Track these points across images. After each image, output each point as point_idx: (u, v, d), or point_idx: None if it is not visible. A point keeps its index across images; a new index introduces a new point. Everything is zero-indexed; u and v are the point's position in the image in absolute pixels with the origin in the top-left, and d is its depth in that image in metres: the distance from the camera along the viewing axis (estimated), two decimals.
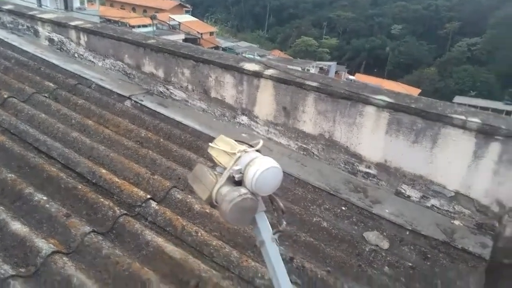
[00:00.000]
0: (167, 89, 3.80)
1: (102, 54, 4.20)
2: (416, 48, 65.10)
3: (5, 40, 4.45)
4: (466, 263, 2.27)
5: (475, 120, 2.41)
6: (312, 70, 32.75)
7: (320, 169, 2.99)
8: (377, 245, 2.32)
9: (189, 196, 2.30)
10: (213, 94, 3.54)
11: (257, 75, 3.20)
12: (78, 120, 2.95)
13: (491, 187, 2.47)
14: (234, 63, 3.33)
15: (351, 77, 47.11)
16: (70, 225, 1.86)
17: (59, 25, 4.48)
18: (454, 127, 2.48)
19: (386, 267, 2.17)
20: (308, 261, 2.02)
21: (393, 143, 2.74)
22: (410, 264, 2.20)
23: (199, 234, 2.01)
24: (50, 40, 4.61)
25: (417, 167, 2.70)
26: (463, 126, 2.44)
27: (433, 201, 2.68)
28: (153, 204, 2.17)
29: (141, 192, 2.22)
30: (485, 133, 2.40)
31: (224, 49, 39.61)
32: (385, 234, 2.41)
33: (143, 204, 2.15)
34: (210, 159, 1.43)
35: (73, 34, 4.39)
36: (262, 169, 1.25)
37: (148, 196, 2.20)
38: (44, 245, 1.69)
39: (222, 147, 1.37)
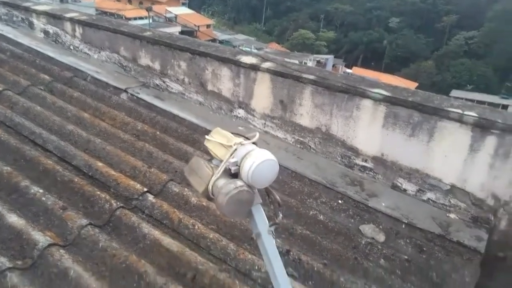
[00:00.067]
0: (164, 82, 3.78)
1: (98, 46, 4.17)
2: (414, 41, 64.89)
3: (0, 32, 4.40)
4: (461, 256, 2.29)
5: (471, 114, 2.42)
6: (310, 63, 32.70)
7: (317, 162, 3.00)
8: (373, 238, 2.33)
9: (186, 189, 2.30)
10: (209, 87, 3.52)
11: (254, 68, 3.19)
12: (74, 113, 2.94)
13: (487, 180, 2.48)
14: (231, 56, 3.31)
15: (348, 70, 46.97)
16: (66, 218, 1.85)
17: (54, 17, 4.44)
18: (450, 121, 2.49)
19: (382, 259, 2.18)
20: (305, 253, 2.03)
21: (389, 137, 2.74)
22: (405, 257, 2.22)
23: (196, 227, 2.01)
24: (45, 32, 4.57)
25: (413, 160, 2.71)
26: (460, 120, 2.45)
27: (429, 195, 2.69)
28: (150, 197, 2.17)
29: (138, 185, 2.22)
30: (481, 127, 2.41)
31: (221, 42, 39.49)
32: (381, 227, 2.43)
33: (140, 197, 2.15)
34: (206, 152, 1.42)
35: (68, 26, 4.35)
36: (258, 161, 1.25)
37: (145, 189, 2.19)
38: (41, 238, 1.69)
39: (218, 139, 1.36)
